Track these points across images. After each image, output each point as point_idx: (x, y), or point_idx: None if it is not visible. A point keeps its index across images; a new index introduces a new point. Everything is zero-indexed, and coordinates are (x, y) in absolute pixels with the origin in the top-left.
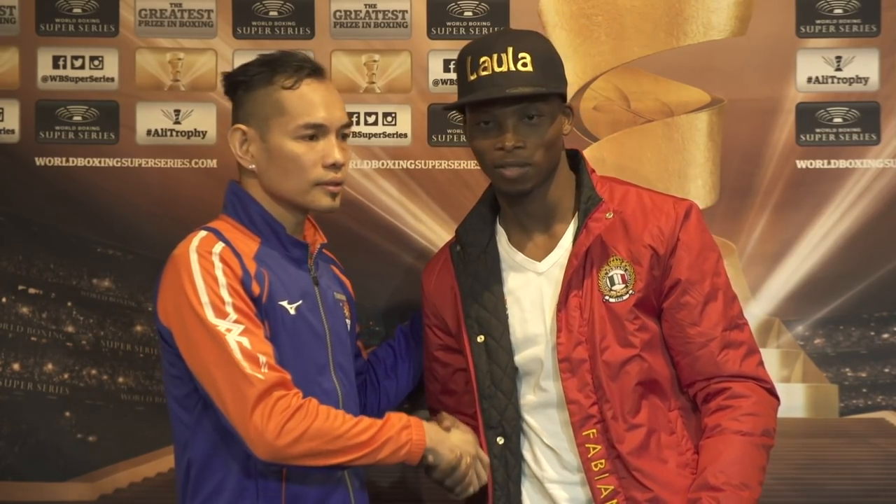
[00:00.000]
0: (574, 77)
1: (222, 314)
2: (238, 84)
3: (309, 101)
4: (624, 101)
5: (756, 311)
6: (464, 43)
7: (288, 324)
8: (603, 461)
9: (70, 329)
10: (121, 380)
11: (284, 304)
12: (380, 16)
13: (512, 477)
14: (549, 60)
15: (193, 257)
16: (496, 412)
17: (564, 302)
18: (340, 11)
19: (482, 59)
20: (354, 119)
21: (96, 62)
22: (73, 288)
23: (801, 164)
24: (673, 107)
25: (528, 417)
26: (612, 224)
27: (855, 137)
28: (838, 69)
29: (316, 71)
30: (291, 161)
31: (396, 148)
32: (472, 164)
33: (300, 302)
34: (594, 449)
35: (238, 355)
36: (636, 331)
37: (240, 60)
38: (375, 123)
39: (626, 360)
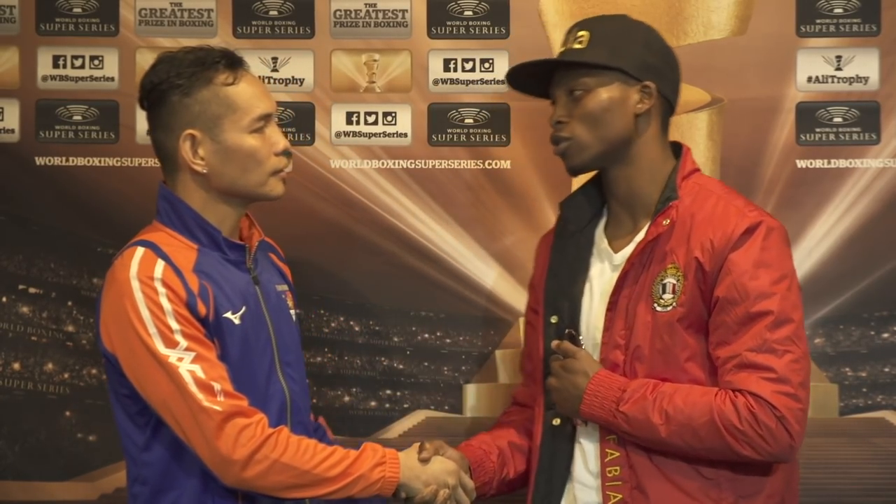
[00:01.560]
0: None
1: (172, 343)
2: (171, 90)
3: (252, 93)
4: None
5: None
6: (464, 42)
7: (236, 335)
8: (618, 468)
9: (70, 328)
10: None
11: (229, 315)
12: (380, 15)
13: (558, 459)
14: (612, 37)
15: (135, 285)
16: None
17: (615, 302)
18: (340, 11)
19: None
20: (355, 119)
21: (96, 62)
22: (74, 287)
23: (801, 163)
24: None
25: None
26: (678, 229)
27: (855, 137)
28: (838, 68)
29: (243, 63)
30: (250, 156)
31: (396, 147)
32: (472, 164)
33: (243, 309)
34: (612, 455)
35: (192, 387)
36: (673, 346)
37: None
38: (375, 123)
39: (656, 372)
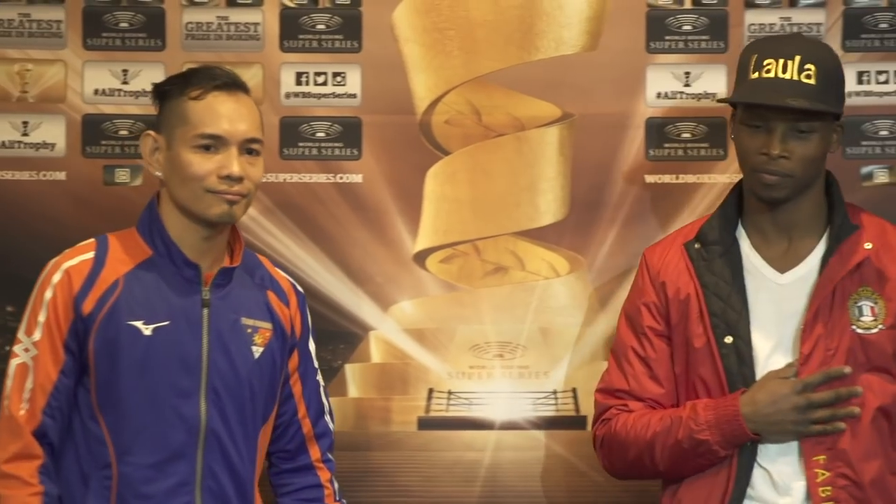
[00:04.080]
0: (426, 91)
1: (30, 330)
2: (158, 94)
3: (212, 112)
4: (475, 115)
5: (604, 324)
6: (316, 56)
7: (139, 344)
8: (830, 489)
9: None
10: None
11: (137, 324)
12: (232, 28)
13: (739, 486)
14: (833, 76)
15: (46, 268)
16: None
17: (812, 324)
18: (192, 23)
19: (767, 62)
20: None
21: None
22: None
23: (649, 178)
24: (524, 121)
25: None
26: (867, 255)
27: (703, 152)
28: (687, 85)
29: (229, 85)
30: (186, 169)
31: None
32: (324, 178)
33: (165, 323)
34: (822, 475)
35: (10, 381)
36: (881, 365)
37: (90, 72)
38: None
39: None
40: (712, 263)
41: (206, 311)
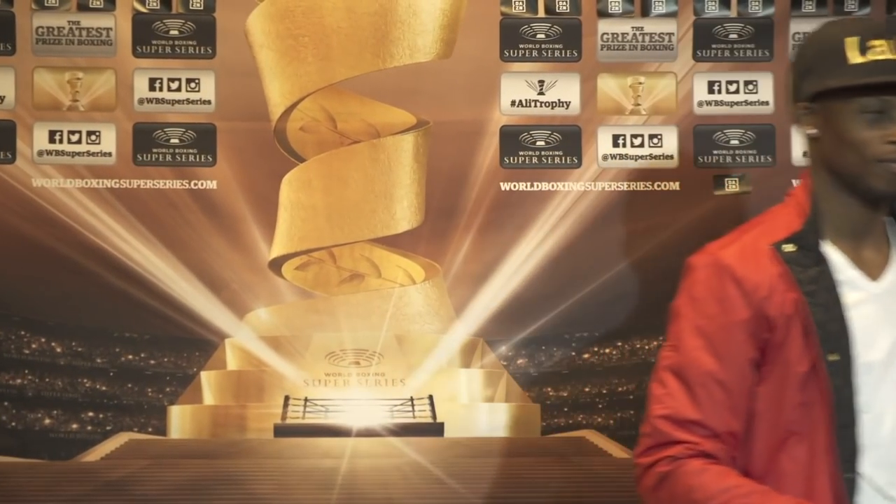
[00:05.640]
0: (281, 98)
1: None
2: None
3: None
4: (330, 122)
5: (460, 331)
6: (170, 62)
7: None
8: None
9: None
10: None
11: None
12: (84, 33)
13: None
14: None
15: None
16: (853, 443)
17: None
18: (43, 28)
19: (874, 43)
20: (58, 137)
21: None
22: None
23: (504, 185)
24: (379, 128)
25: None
26: None
27: (557, 160)
28: (541, 93)
29: None
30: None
31: (100, 167)
32: (178, 184)
33: None
34: None
35: None
36: None
37: None
38: (80, 142)
39: None
40: (809, 270)
41: None
